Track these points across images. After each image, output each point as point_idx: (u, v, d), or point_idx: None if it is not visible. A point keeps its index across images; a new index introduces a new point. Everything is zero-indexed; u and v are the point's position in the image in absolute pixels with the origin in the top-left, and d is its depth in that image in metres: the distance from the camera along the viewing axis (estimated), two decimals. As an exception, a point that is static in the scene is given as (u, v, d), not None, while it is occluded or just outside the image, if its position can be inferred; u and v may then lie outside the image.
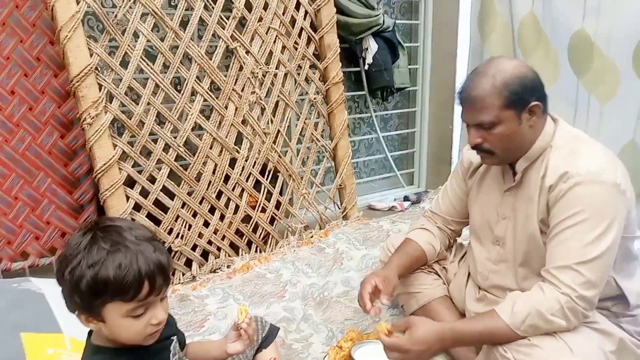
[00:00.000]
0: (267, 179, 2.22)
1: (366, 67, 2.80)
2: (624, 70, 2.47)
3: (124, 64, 1.81)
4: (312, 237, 2.33)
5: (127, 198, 1.84)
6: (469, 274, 1.63)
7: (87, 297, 0.87)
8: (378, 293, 1.44)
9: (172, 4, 1.99)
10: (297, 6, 2.20)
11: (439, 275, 1.70)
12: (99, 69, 1.76)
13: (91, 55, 1.70)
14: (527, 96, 1.27)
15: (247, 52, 2.08)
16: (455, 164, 1.63)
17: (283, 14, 2.17)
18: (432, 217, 1.68)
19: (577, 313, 1.21)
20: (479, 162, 1.51)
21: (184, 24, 1.93)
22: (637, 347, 1.36)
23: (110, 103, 1.78)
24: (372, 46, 2.78)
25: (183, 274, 2.01)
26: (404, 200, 3.03)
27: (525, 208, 1.36)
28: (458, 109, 3.35)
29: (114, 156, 1.77)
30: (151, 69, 1.85)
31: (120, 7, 1.76)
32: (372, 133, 3.07)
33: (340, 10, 2.45)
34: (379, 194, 3.12)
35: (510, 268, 1.44)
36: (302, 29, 2.24)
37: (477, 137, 1.31)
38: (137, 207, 1.88)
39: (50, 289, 1.48)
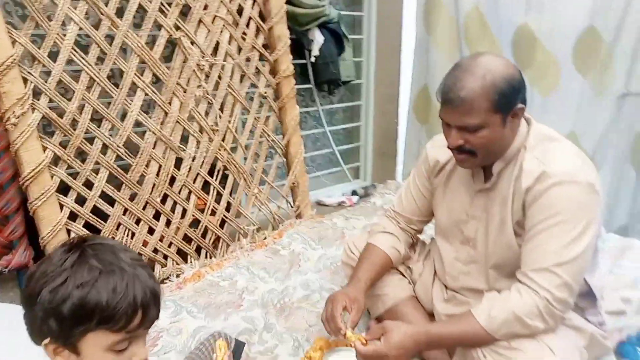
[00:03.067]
0: (216, 179, 2.08)
1: (312, 59, 2.73)
2: (564, 64, 2.58)
3: (52, 55, 1.60)
4: (265, 238, 2.22)
5: (61, 207, 1.64)
6: (434, 273, 1.60)
7: (67, 322, 0.75)
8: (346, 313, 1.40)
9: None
10: (245, -7, 2.07)
11: (404, 275, 1.66)
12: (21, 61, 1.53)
13: (13, 45, 1.48)
14: (514, 99, 1.23)
15: (192, 42, 1.92)
16: (419, 161, 1.58)
17: (230, 1, 2.02)
18: (394, 217, 1.63)
19: (554, 316, 1.21)
20: (445, 161, 1.47)
21: (120, 11, 1.74)
22: (603, 338, 1.40)
23: (38, 100, 1.57)
24: (318, 38, 2.70)
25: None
26: (352, 195, 3.00)
27: (500, 210, 1.34)
28: (403, 103, 3.34)
29: (44, 160, 1.56)
30: (84, 60, 1.64)
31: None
32: (318, 127, 3.00)
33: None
34: (327, 189, 3.07)
35: (481, 269, 1.43)
36: (250, 18, 2.10)
37: (459, 139, 1.25)
38: (73, 216, 1.68)
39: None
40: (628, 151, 2.54)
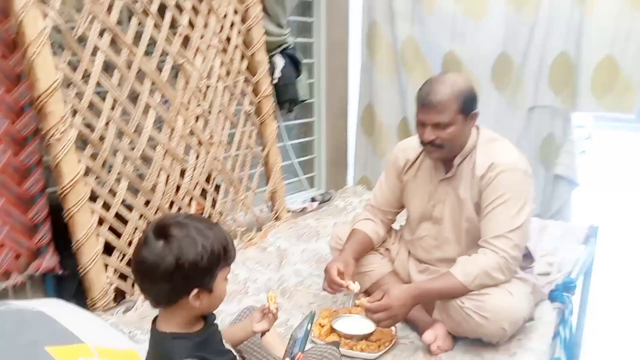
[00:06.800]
0: (212, 187, 2.34)
1: (275, 81, 3.05)
2: (484, 84, 3.09)
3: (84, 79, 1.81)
4: (252, 239, 2.50)
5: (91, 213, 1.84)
6: (409, 252, 1.98)
7: (207, 269, 1.06)
8: (342, 276, 1.71)
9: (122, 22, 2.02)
10: (232, 25, 2.37)
11: (384, 255, 2.00)
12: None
13: (56, 71, 1.69)
14: (473, 105, 1.64)
15: (192, 67, 2.19)
16: (388, 164, 1.95)
17: (220, 32, 2.32)
18: (372, 211, 1.98)
19: (510, 269, 1.62)
20: (413, 159, 1.85)
21: (135, 41, 1.98)
22: (541, 287, 1.85)
23: (74, 118, 1.77)
24: (279, 62, 3.02)
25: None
26: (312, 201, 3.33)
27: (460, 193, 1.73)
28: (351, 118, 3.74)
29: (79, 171, 1.76)
30: (110, 84, 1.87)
31: (79, 23, 1.76)
32: (279, 141, 3.31)
33: (258, 29, 2.67)
34: (288, 197, 3.37)
35: (449, 242, 1.80)
36: (236, 46, 2.41)
37: (432, 135, 1.63)
38: (99, 222, 1.88)
39: (44, 307, 1.45)
40: (538, 153, 3.04)
